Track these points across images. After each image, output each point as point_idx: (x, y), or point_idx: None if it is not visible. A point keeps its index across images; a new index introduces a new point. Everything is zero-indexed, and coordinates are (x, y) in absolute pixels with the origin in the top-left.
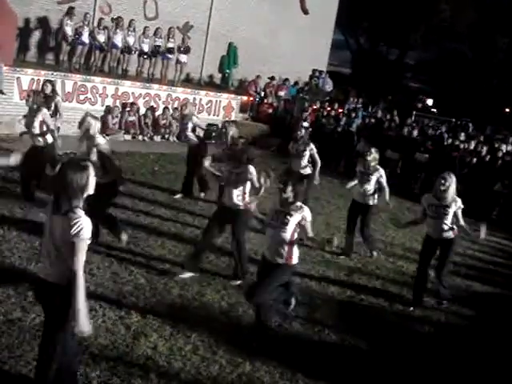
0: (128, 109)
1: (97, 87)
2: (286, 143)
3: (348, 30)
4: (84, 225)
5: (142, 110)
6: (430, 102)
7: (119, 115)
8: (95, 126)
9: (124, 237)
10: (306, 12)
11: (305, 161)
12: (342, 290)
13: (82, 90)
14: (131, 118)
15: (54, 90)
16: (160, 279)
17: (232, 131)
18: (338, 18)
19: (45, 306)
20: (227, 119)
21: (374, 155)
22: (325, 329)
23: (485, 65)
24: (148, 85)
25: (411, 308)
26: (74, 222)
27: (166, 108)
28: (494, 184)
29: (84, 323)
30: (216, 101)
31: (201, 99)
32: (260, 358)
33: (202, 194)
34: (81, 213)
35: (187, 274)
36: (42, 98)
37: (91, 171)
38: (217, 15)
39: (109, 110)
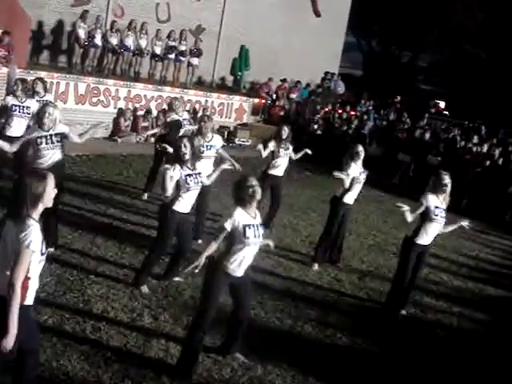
0: (141, 113)
1: (109, 90)
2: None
3: (360, 32)
4: (33, 236)
5: (154, 113)
6: (442, 104)
7: (132, 118)
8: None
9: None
10: (318, 14)
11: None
12: (354, 293)
13: (95, 92)
14: (144, 124)
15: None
16: (172, 281)
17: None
18: (350, 21)
19: None
20: (239, 122)
21: None
22: (337, 332)
23: (498, 67)
24: (160, 87)
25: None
26: (24, 231)
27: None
28: (507, 187)
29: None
30: (228, 103)
31: (213, 102)
32: (272, 361)
33: None
34: (33, 223)
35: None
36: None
37: (50, 182)
38: (229, 18)
39: (121, 113)
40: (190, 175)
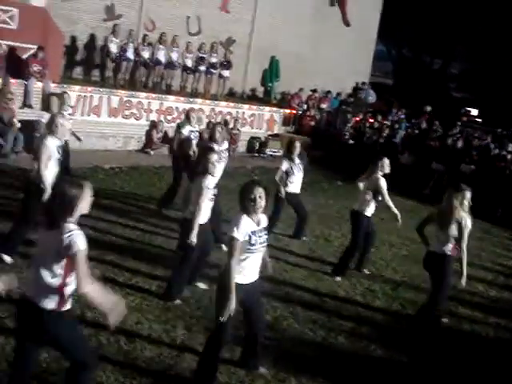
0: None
1: (142, 102)
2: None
3: (390, 40)
4: (80, 238)
5: None
6: (475, 111)
7: (164, 130)
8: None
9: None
10: (347, 24)
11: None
12: (387, 304)
13: (128, 105)
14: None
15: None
16: (205, 292)
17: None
18: (379, 29)
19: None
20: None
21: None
22: (371, 343)
23: None
24: (191, 99)
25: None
26: (68, 235)
27: (209, 122)
28: None
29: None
30: (259, 114)
31: (244, 113)
32: (305, 373)
33: None
34: (74, 227)
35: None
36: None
37: (87, 190)
38: (259, 29)
39: (153, 125)
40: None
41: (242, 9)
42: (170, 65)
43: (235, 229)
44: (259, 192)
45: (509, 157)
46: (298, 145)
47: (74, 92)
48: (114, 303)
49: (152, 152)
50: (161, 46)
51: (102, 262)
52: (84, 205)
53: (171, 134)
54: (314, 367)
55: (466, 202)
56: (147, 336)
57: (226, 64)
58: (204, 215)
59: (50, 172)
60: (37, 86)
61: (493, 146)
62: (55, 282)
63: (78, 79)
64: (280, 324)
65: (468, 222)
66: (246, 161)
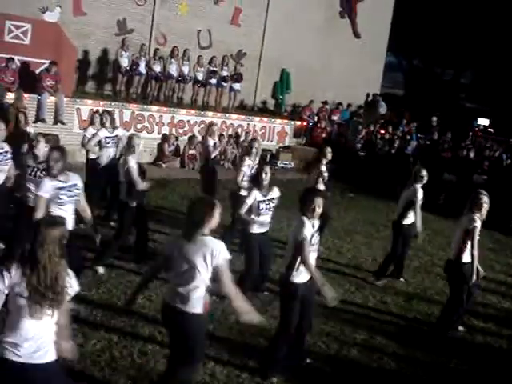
0: (186, 140)
1: (153, 116)
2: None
3: (400, 51)
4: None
5: (198, 138)
6: (486, 122)
7: (175, 143)
8: None
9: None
10: (358, 36)
11: None
12: (400, 317)
13: (140, 118)
14: (191, 152)
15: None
16: (218, 306)
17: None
18: (390, 40)
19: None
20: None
21: None
22: (384, 356)
23: None
24: (203, 112)
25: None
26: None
27: (221, 135)
28: None
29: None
30: (270, 126)
31: (255, 125)
32: None
33: None
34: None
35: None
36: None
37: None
38: (269, 42)
39: (165, 138)
40: (262, 201)
41: (253, 22)
42: (181, 78)
43: (303, 230)
44: (319, 202)
45: None
46: (329, 149)
47: (86, 106)
48: (248, 308)
49: (164, 165)
50: (172, 60)
51: (115, 273)
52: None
53: (186, 148)
54: (327, 380)
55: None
56: (161, 349)
57: (237, 77)
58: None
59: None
60: (50, 100)
61: (505, 156)
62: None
63: (90, 93)
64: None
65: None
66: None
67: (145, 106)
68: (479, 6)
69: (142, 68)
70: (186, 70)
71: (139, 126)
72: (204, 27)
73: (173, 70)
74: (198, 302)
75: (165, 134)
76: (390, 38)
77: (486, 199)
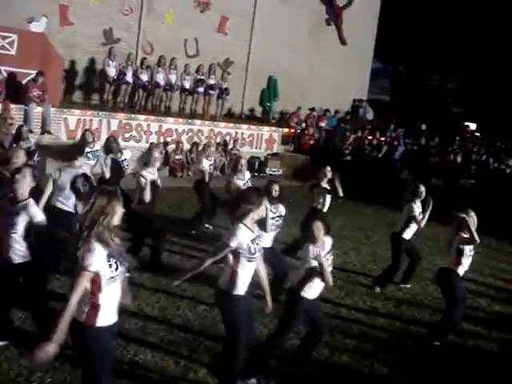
0: (173, 147)
1: (141, 125)
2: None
3: (387, 57)
4: None
5: (186, 146)
6: (473, 126)
7: (164, 152)
8: None
9: None
10: (344, 42)
11: None
12: (391, 322)
13: (127, 128)
14: (178, 157)
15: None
16: (208, 314)
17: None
18: (376, 46)
19: None
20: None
21: None
22: (375, 362)
23: None
24: (190, 121)
25: None
26: None
27: (208, 142)
28: None
29: None
30: (258, 134)
31: (243, 133)
32: None
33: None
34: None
35: None
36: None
37: None
38: (256, 50)
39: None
40: (272, 218)
41: (239, 30)
42: (168, 87)
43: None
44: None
45: (508, 170)
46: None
47: (73, 116)
48: None
49: None
50: (159, 69)
51: None
52: None
53: (172, 155)
54: None
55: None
56: (151, 359)
57: (224, 91)
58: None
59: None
60: (37, 110)
61: (492, 160)
62: None
63: (77, 103)
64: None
65: None
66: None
67: (132, 115)
68: (463, 13)
69: (129, 77)
70: (173, 78)
71: (127, 135)
72: (191, 36)
73: (160, 78)
74: None
75: (152, 143)
76: (376, 45)
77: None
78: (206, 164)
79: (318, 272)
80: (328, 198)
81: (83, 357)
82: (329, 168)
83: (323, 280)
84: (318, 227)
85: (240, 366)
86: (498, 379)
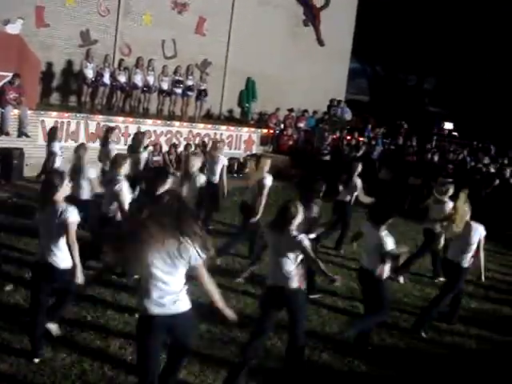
0: (151, 149)
1: (119, 127)
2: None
3: (364, 58)
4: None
5: (165, 148)
6: (450, 125)
7: None
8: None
9: None
10: (321, 43)
11: None
12: None
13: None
14: (156, 158)
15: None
16: None
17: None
18: (353, 47)
19: None
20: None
21: None
22: (355, 360)
23: (504, 86)
24: (169, 122)
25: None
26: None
27: (188, 144)
28: None
29: None
30: (237, 135)
31: (221, 134)
32: None
33: None
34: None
35: None
36: None
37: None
38: (234, 51)
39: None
40: None
41: (217, 31)
42: (146, 88)
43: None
44: None
45: (484, 169)
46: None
47: (50, 118)
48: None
49: None
50: (137, 70)
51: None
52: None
53: (150, 157)
54: None
55: None
56: (131, 361)
57: (203, 92)
58: None
59: None
60: (13, 113)
61: (469, 159)
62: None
63: (55, 105)
64: (264, 344)
65: None
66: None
67: (110, 117)
68: (440, 13)
69: (107, 79)
70: (151, 80)
71: None
72: (168, 37)
73: (138, 80)
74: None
75: (131, 145)
76: (353, 45)
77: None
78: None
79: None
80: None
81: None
82: (321, 182)
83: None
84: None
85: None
86: (476, 376)
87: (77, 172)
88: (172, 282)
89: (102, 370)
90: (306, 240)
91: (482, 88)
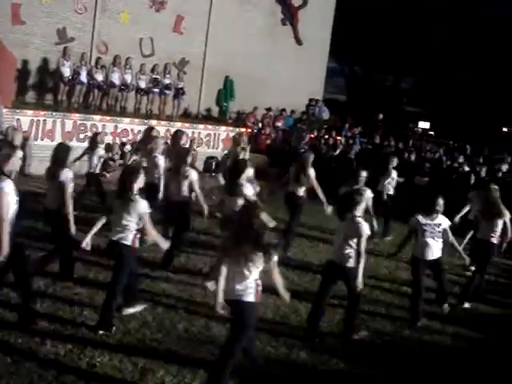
0: (129, 148)
1: (96, 125)
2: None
3: (342, 57)
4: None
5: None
6: (426, 125)
7: (119, 152)
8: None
9: None
10: (300, 42)
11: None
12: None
13: (82, 128)
14: (134, 157)
15: None
16: (165, 314)
17: None
18: (331, 47)
19: None
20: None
21: None
22: (332, 358)
23: (480, 85)
24: (146, 121)
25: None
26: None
27: (165, 143)
28: None
29: None
30: (215, 134)
31: (199, 133)
32: None
33: None
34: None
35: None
36: None
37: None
38: (212, 50)
39: (108, 148)
40: None
41: (195, 30)
42: (123, 87)
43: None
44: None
45: (460, 169)
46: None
47: (26, 116)
48: None
49: (108, 175)
50: (115, 68)
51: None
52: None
53: (128, 156)
54: None
55: None
56: (108, 361)
57: (180, 90)
58: None
59: None
60: None
61: (445, 158)
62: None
63: (30, 103)
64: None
65: None
66: (204, 181)
67: (87, 116)
68: (417, 13)
69: (84, 77)
70: (128, 78)
71: (82, 136)
72: (146, 35)
73: (115, 78)
74: None
75: (108, 144)
76: (331, 44)
77: None
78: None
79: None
80: None
81: None
82: None
83: None
84: None
85: None
86: (453, 373)
87: None
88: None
89: (80, 368)
90: (365, 227)
91: (458, 88)
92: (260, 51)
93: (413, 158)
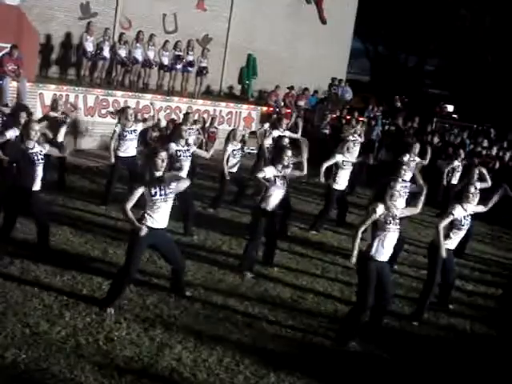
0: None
1: (118, 101)
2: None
3: (366, 37)
4: None
5: (163, 123)
6: (450, 108)
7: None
8: None
9: None
10: (324, 22)
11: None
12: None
13: (104, 104)
14: (155, 134)
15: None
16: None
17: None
18: (356, 27)
19: None
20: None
21: None
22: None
23: (505, 69)
24: (168, 98)
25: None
26: None
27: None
28: None
29: None
30: (236, 112)
31: (221, 111)
32: (284, 369)
33: None
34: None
35: None
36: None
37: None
38: (235, 27)
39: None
40: (277, 176)
41: (219, 7)
42: (146, 63)
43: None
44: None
45: (484, 152)
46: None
47: (49, 91)
48: None
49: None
50: (137, 45)
51: (80, 261)
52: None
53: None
54: (292, 363)
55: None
56: (126, 335)
57: (204, 69)
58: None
59: None
60: (12, 85)
61: (468, 141)
62: None
63: (53, 78)
64: (260, 321)
65: None
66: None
67: (109, 91)
68: None
69: (107, 52)
70: (151, 54)
71: (103, 112)
72: (169, 11)
73: (138, 54)
74: None
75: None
76: (356, 24)
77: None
78: (230, 149)
79: None
80: None
81: None
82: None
83: None
84: None
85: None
86: (469, 356)
87: None
88: None
89: (97, 343)
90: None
91: (483, 71)
92: (284, 29)
93: (436, 140)
